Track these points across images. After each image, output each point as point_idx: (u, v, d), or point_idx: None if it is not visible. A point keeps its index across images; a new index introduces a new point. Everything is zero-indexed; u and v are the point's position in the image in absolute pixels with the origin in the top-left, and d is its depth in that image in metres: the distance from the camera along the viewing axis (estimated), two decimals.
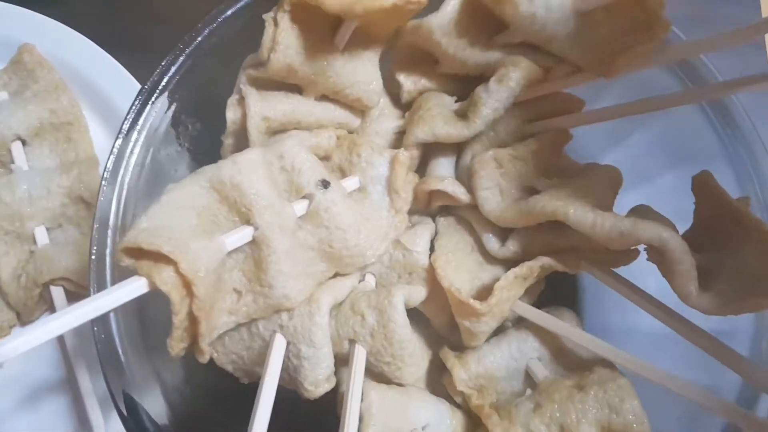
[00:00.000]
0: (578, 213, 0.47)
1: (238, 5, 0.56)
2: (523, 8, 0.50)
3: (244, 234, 0.47)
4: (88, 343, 0.62)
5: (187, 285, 0.41)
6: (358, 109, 0.61)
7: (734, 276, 0.45)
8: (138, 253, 0.41)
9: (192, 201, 0.46)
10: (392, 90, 0.62)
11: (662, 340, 0.50)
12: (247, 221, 0.47)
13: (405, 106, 0.62)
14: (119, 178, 0.53)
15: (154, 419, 0.49)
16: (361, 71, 0.57)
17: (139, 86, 0.70)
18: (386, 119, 0.62)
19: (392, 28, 0.57)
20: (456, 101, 0.60)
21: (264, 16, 0.51)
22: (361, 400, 0.49)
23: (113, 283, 0.50)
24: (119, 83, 0.71)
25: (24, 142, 0.68)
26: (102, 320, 0.49)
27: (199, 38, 0.55)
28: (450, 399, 0.55)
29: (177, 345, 0.42)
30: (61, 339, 0.66)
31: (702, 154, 0.58)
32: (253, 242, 0.47)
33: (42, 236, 0.65)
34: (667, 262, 0.45)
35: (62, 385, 0.66)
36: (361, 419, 0.48)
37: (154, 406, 0.49)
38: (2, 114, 0.67)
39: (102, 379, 0.60)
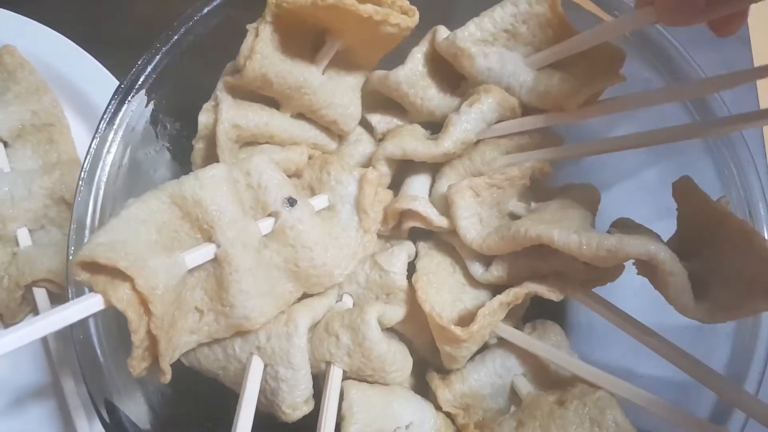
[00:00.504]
0: (563, 235, 0.47)
1: (214, 4, 0.56)
2: (478, 62, 0.55)
3: (206, 251, 0.46)
4: (72, 348, 0.65)
5: (144, 303, 0.40)
6: (335, 132, 0.61)
7: (726, 282, 0.45)
8: (94, 267, 0.40)
9: (152, 216, 0.46)
10: (369, 125, 0.63)
11: None
12: (209, 238, 0.47)
13: (379, 140, 0.63)
14: (96, 178, 0.53)
15: (136, 423, 0.49)
16: (339, 94, 0.57)
17: (116, 82, 0.71)
18: (362, 144, 0.63)
19: (377, 56, 0.58)
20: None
21: (247, 26, 0.52)
22: (342, 399, 0.49)
23: None
24: (100, 84, 0.71)
25: (5, 144, 0.69)
26: (81, 324, 0.49)
27: (176, 36, 0.55)
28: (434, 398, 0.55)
29: (138, 365, 0.42)
30: (45, 343, 0.66)
31: (683, 148, 0.58)
32: (215, 260, 0.47)
33: (24, 238, 0.66)
34: (659, 276, 0.45)
35: (47, 389, 0.66)
36: (342, 418, 0.48)
37: (136, 409, 0.49)
38: None
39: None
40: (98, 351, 0.49)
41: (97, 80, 0.71)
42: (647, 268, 0.47)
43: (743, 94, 0.79)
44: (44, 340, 0.65)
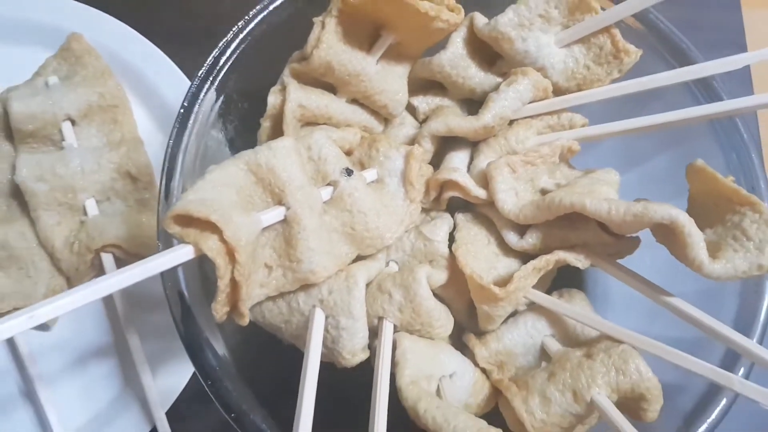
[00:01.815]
0: (594, 203, 0.53)
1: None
2: (517, 45, 0.62)
3: (278, 212, 0.52)
4: (139, 313, 0.70)
5: (230, 252, 0.45)
6: (383, 116, 0.67)
7: (737, 245, 0.51)
8: (185, 221, 0.45)
9: (231, 180, 0.51)
10: (412, 109, 0.69)
11: (657, 308, 0.56)
12: (280, 201, 0.52)
13: (422, 122, 0.69)
14: (180, 169, 0.58)
15: (220, 356, 0.54)
16: (390, 81, 0.63)
17: (178, 71, 0.77)
18: (405, 127, 0.68)
19: (423, 48, 0.65)
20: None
21: (314, 19, 0.58)
22: (395, 348, 0.54)
23: None
24: (160, 69, 0.77)
25: (73, 123, 0.74)
26: (171, 276, 0.54)
27: (250, 26, 0.61)
28: (471, 356, 0.60)
29: (221, 309, 0.47)
30: (111, 306, 0.71)
31: (689, 135, 0.65)
32: (285, 221, 0.52)
33: (92, 208, 0.71)
34: (678, 237, 0.50)
35: (109, 349, 0.71)
36: (396, 364, 0.53)
37: (219, 348, 0.54)
38: (54, 96, 0.72)
39: (148, 344, 0.67)
40: (186, 296, 0.54)
41: (155, 65, 0.77)
42: (666, 233, 0.53)
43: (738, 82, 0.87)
44: (110, 303, 0.70)
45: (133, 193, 0.72)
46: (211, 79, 0.59)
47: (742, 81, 0.58)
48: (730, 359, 0.57)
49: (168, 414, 0.69)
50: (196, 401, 0.71)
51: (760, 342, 0.56)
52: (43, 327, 0.71)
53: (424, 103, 0.68)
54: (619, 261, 0.60)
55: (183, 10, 0.87)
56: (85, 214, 0.71)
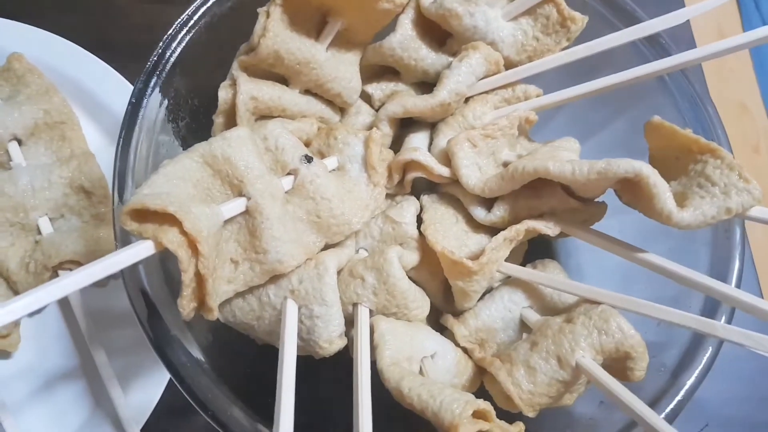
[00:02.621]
0: (557, 166, 0.52)
1: None
2: (465, 21, 0.62)
3: (239, 203, 0.50)
4: (104, 329, 0.67)
5: (192, 244, 0.44)
6: (338, 105, 0.66)
7: (703, 192, 0.51)
8: (142, 216, 0.44)
9: (187, 173, 0.49)
10: (367, 97, 0.68)
11: (630, 273, 0.56)
12: (240, 192, 0.51)
13: (378, 108, 0.68)
14: (132, 167, 0.56)
15: (191, 353, 0.52)
16: (342, 69, 0.63)
17: (127, 83, 0.75)
18: (362, 115, 0.68)
19: (372, 33, 0.64)
20: None
21: (259, 9, 0.57)
22: (372, 332, 0.53)
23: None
24: (107, 82, 0.75)
25: (20, 142, 0.72)
26: (131, 272, 0.51)
27: (188, 26, 0.59)
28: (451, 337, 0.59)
29: (188, 305, 0.45)
30: (74, 325, 0.68)
31: (644, 95, 0.66)
32: (247, 212, 0.51)
33: (46, 226, 0.69)
34: (644, 191, 0.50)
35: (76, 370, 0.69)
36: (375, 347, 0.51)
37: (189, 346, 0.52)
38: None
39: (116, 360, 0.64)
40: (150, 293, 0.52)
41: (102, 78, 0.75)
42: (631, 189, 0.53)
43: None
44: (73, 323, 0.67)
45: (89, 209, 0.70)
46: (156, 75, 0.57)
47: (688, 46, 0.58)
48: (710, 311, 0.56)
49: (143, 430, 0.66)
50: (172, 414, 0.68)
51: (739, 281, 0.56)
52: (4, 354, 0.68)
53: (378, 89, 0.68)
54: (592, 224, 0.60)
55: (129, 24, 0.86)
56: (39, 233, 0.68)
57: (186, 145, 0.61)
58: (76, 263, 0.66)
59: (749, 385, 0.79)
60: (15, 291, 0.67)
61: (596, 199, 0.59)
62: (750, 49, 1.09)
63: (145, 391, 0.66)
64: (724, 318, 0.55)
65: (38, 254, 0.66)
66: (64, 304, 0.70)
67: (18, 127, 0.70)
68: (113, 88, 0.74)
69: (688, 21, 0.58)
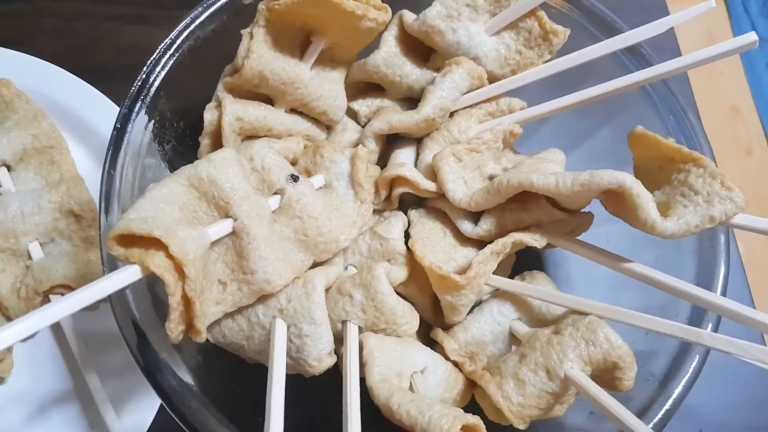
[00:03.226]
0: (541, 178, 0.53)
1: (209, 11, 0.61)
2: (448, 37, 0.63)
3: (225, 225, 0.51)
4: (96, 352, 0.67)
5: (178, 268, 0.44)
6: (324, 123, 0.67)
7: (686, 201, 0.51)
8: (128, 241, 0.44)
9: (173, 197, 0.49)
10: (353, 113, 0.69)
11: (619, 284, 0.56)
12: (226, 214, 0.51)
13: (364, 125, 0.69)
14: (118, 192, 0.56)
15: (180, 377, 0.51)
16: (327, 87, 0.63)
17: (114, 106, 0.75)
18: (348, 132, 0.68)
19: (356, 51, 0.64)
20: None
21: (242, 31, 0.57)
22: (361, 349, 0.53)
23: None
24: (94, 105, 0.76)
25: (9, 168, 0.72)
26: (119, 299, 0.51)
27: (172, 48, 0.60)
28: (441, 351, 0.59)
29: (176, 328, 0.45)
30: (67, 349, 0.68)
31: (627, 105, 0.66)
32: (233, 233, 0.51)
33: (36, 251, 0.69)
34: (627, 202, 0.50)
35: (69, 394, 0.68)
36: (364, 364, 0.51)
37: (178, 371, 0.52)
38: None
39: (110, 383, 0.64)
40: (139, 320, 0.52)
41: (90, 102, 0.75)
42: (615, 200, 0.53)
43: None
44: (66, 347, 0.67)
45: (78, 232, 0.70)
46: (141, 99, 0.57)
47: (673, 54, 0.59)
48: (696, 320, 0.57)
49: None
50: None
51: (723, 295, 0.56)
52: None
53: (364, 106, 0.68)
54: (579, 234, 0.61)
55: (114, 47, 0.87)
56: (30, 257, 0.69)
57: (173, 167, 0.61)
58: (67, 287, 0.66)
59: (743, 390, 0.79)
60: (6, 317, 0.67)
61: (583, 210, 0.59)
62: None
63: (138, 413, 0.66)
64: (710, 326, 0.55)
65: (29, 279, 0.66)
66: (56, 328, 0.69)
67: (7, 153, 0.70)
68: (100, 111, 0.75)
69: (672, 27, 0.58)
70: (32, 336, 0.68)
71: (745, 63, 1.27)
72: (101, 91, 0.77)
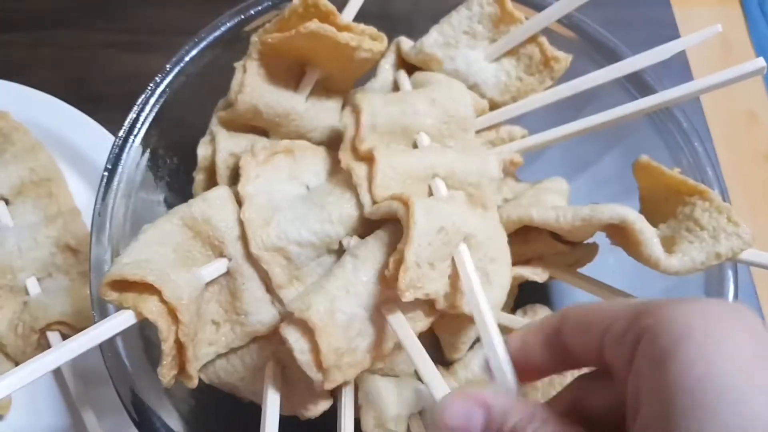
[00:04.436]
0: (541, 212, 0.52)
1: (200, 47, 0.60)
2: (446, 65, 0.62)
3: (220, 265, 0.50)
4: (93, 388, 0.66)
5: (171, 313, 0.44)
6: None
7: (691, 236, 0.50)
8: (122, 286, 0.44)
9: (167, 238, 0.49)
10: None
11: None
12: (221, 253, 0.50)
13: None
14: (107, 229, 0.55)
15: (170, 426, 0.50)
16: (323, 118, 0.62)
17: (110, 136, 0.74)
18: None
19: (352, 80, 0.63)
20: None
21: (235, 64, 0.57)
22: (357, 391, 0.52)
23: None
24: (91, 136, 0.75)
25: (7, 202, 0.72)
26: (109, 345, 0.51)
27: (168, 78, 0.59)
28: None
29: (168, 373, 0.45)
30: (64, 387, 0.68)
31: (632, 131, 0.64)
32: (228, 273, 0.51)
33: (34, 286, 0.68)
34: (630, 236, 0.49)
35: (67, 431, 0.68)
36: (360, 407, 0.51)
37: (167, 416, 0.51)
38: None
39: (106, 419, 0.64)
40: (128, 366, 0.51)
41: (87, 133, 0.75)
42: (619, 233, 0.52)
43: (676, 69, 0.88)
44: (63, 383, 0.67)
45: (76, 266, 0.70)
46: (134, 136, 0.57)
47: (682, 78, 0.57)
48: None
49: None
50: None
51: None
52: None
53: None
54: (584, 265, 0.59)
55: (109, 76, 0.86)
56: (27, 293, 0.68)
57: (168, 204, 0.60)
58: (64, 324, 0.66)
59: None
60: (5, 354, 0.67)
61: (587, 241, 0.58)
62: (757, 54, 1.07)
63: None
64: None
65: (26, 316, 0.66)
66: None
67: (4, 186, 0.70)
68: (97, 142, 0.74)
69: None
70: None
71: None
72: (98, 122, 0.76)
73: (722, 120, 1.03)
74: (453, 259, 0.48)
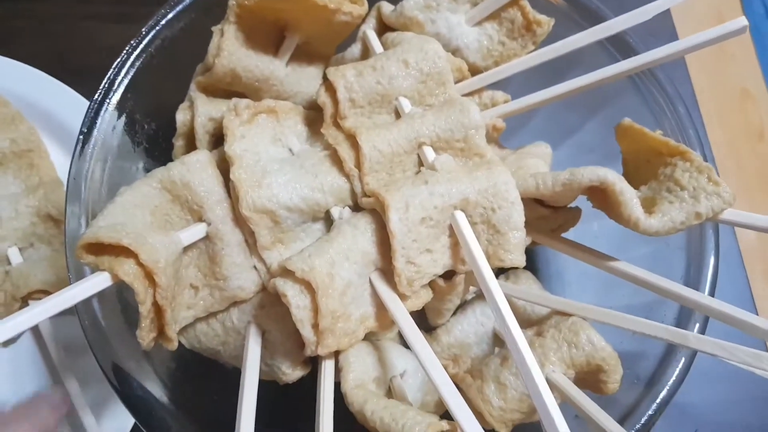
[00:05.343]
0: (521, 183, 0.51)
1: (177, 9, 0.59)
2: (428, 29, 0.61)
3: (198, 229, 0.50)
4: (76, 358, 0.67)
5: (149, 275, 0.43)
6: None
7: (672, 196, 0.50)
8: (98, 249, 0.43)
9: (145, 201, 0.49)
10: None
11: (613, 279, 0.54)
12: (200, 218, 0.50)
13: None
14: (82, 196, 0.54)
15: (148, 389, 0.51)
16: (304, 83, 0.61)
17: None
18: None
19: (333, 45, 0.63)
20: None
21: (213, 28, 0.56)
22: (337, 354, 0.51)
23: None
24: (73, 107, 0.75)
25: None
26: (87, 309, 0.51)
27: (144, 41, 0.58)
28: None
29: (147, 336, 0.44)
30: (48, 357, 0.68)
31: (615, 96, 0.64)
32: (207, 238, 0.50)
33: (15, 256, 0.68)
34: (610, 198, 0.49)
35: None
36: (340, 369, 0.50)
37: (147, 380, 0.51)
38: None
39: (90, 388, 0.64)
40: (105, 330, 0.51)
41: (69, 104, 0.74)
42: (600, 196, 0.52)
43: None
44: (46, 352, 0.67)
45: (58, 236, 0.69)
46: (108, 99, 0.56)
47: (669, 39, 0.57)
48: (684, 320, 0.55)
49: None
50: None
51: (711, 294, 0.54)
52: None
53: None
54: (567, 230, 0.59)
55: (91, 46, 0.86)
56: (9, 263, 0.68)
57: (147, 171, 0.60)
58: (45, 292, 0.66)
59: (739, 387, 0.77)
60: None
61: (570, 205, 0.57)
62: (752, 33, 1.06)
63: (118, 418, 0.66)
64: (698, 327, 0.54)
65: (7, 285, 0.65)
66: (36, 334, 0.69)
67: None
68: (79, 113, 0.72)
69: (668, 9, 0.56)
70: (14, 340, 0.68)
71: (757, 45, 1.23)
72: (80, 93, 0.76)
73: (716, 98, 1.02)
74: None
